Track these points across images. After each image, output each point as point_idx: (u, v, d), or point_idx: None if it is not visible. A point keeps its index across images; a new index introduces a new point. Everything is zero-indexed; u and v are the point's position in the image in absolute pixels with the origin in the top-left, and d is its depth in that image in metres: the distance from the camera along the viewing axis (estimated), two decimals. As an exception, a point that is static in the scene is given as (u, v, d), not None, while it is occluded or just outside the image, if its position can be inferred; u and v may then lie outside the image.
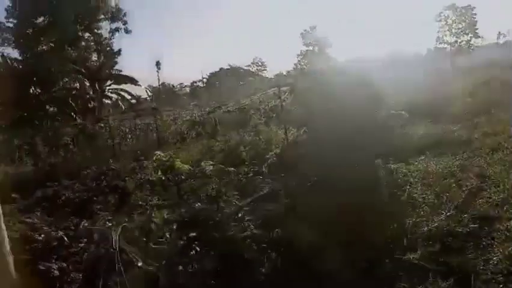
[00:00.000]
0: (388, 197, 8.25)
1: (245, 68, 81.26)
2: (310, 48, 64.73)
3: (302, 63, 68.39)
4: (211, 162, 10.59)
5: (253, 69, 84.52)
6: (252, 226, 7.05)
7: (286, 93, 13.91)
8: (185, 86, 75.25)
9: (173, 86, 73.49)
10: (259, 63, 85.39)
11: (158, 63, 62.70)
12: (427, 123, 17.11)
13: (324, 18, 77.60)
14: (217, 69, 72.96)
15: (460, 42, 54.21)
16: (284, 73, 61.93)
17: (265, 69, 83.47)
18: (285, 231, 7.00)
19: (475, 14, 53.85)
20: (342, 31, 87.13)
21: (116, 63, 43.16)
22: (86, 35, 44.67)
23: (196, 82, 76.44)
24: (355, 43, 78.75)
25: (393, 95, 25.58)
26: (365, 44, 74.67)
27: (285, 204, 8.22)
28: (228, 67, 72.63)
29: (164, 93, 66.92)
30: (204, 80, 75.11)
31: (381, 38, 74.49)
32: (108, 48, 45.41)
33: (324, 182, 8.35)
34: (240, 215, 7.64)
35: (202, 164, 10.56)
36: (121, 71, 42.25)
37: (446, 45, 55.18)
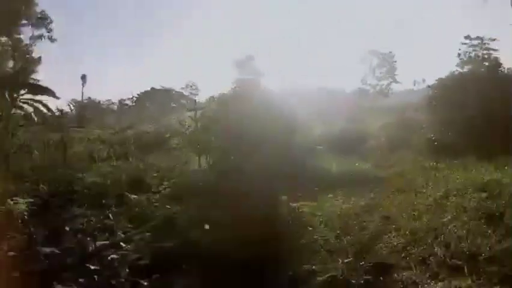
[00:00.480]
0: (287, 239, 7.50)
1: (178, 90, 79.55)
2: (245, 76, 64.97)
3: (236, 91, 68.26)
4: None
5: (187, 92, 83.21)
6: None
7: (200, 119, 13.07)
8: (113, 103, 71.34)
9: (100, 102, 69.25)
10: (193, 87, 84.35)
11: (84, 77, 58.90)
12: (342, 159, 17.19)
13: (261, 48, 79.18)
14: (148, 89, 70.36)
15: (381, 85, 57.81)
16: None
17: (197, 94, 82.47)
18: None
19: (395, 61, 58.05)
20: (278, 63, 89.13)
21: (33, 71, 39.44)
22: (3, 38, 40.79)
23: (124, 100, 72.98)
24: (291, 75, 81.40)
25: (316, 128, 26.31)
26: (301, 76, 77.45)
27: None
28: (160, 87, 70.44)
29: (89, 109, 62.66)
30: (134, 98, 71.96)
31: (315, 72, 77.66)
32: (27, 56, 41.69)
33: (222, 221, 7.37)
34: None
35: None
36: (38, 80, 38.52)
37: (368, 87, 58.54)
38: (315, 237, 7.65)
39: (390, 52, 58.20)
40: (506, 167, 11.69)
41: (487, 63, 26.14)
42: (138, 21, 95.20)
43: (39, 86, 40.43)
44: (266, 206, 7.93)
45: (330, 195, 10.63)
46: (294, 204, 8.75)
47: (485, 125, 15.22)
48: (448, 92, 17.58)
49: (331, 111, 33.34)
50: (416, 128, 22.13)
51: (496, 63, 20.08)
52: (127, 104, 71.31)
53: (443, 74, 20.00)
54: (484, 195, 8.91)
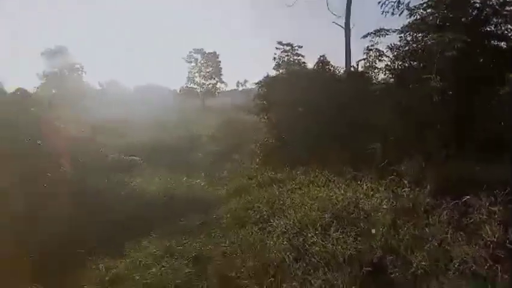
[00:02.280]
0: None
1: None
2: (56, 70, 54.39)
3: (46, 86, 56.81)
4: None
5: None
6: None
7: None
8: None
9: None
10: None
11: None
12: (168, 173, 13.65)
13: (80, 41, 67.80)
14: None
15: (207, 85, 56.27)
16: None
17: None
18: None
19: (220, 62, 57.28)
20: (97, 55, 78.21)
21: None
22: None
23: None
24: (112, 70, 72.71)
25: (135, 131, 22.08)
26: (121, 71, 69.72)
27: None
28: None
29: None
30: None
31: (137, 68, 70.91)
32: None
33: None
34: None
35: None
36: None
37: (196, 86, 56.35)
38: None
39: (215, 52, 57.30)
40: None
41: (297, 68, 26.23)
42: None
43: None
44: None
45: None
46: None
47: (318, 120, 13.89)
48: (277, 89, 15.87)
49: (160, 111, 29.39)
50: (249, 130, 20.28)
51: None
52: None
53: (262, 75, 18.37)
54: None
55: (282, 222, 7.75)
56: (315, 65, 16.15)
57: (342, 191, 9.05)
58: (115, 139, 18.76)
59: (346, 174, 10.89)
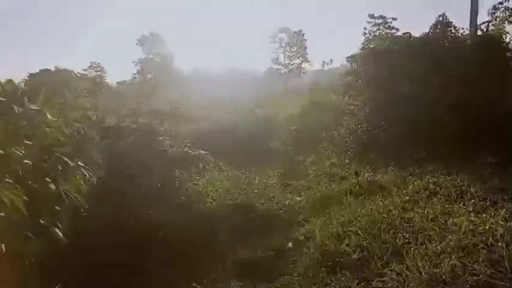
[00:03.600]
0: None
1: (82, 72, 66.70)
2: (150, 56, 55.84)
3: (142, 72, 58.86)
4: None
5: (92, 74, 70.75)
6: None
7: None
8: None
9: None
10: (98, 68, 72.10)
11: None
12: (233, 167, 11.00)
13: (164, 26, 68.89)
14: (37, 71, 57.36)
15: (292, 65, 53.03)
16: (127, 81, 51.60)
17: (104, 75, 70.63)
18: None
19: (305, 40, 53.38)
20: (183, 41, 79.28)
21: None
22: None
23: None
24: (196, 54, 72.93)
25: (213, 117, 19.81)
26: (206, 56, 69.58)
27: None
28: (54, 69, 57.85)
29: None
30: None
31: (222, 52, 70.23)
32: None
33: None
34: None
35: None
36: None
37: (280, 67, 53.41)
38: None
39: (300, 30, 53.40)
40: None
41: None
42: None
43: None
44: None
45: None
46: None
47: (435, 103, 9.96)
48: (377, 63, 12.04)
49: (242, 94, 27.11)
50: (338, 115, 16.74)
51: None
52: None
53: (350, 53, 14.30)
54: None
55: (401, 279, 4.47)
56: (430, 29, 11.86)
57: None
58: (188, 125, 16.87)
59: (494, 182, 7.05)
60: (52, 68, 52.52)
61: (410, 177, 8.35)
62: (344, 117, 14.67)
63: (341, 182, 9.14)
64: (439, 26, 11.33)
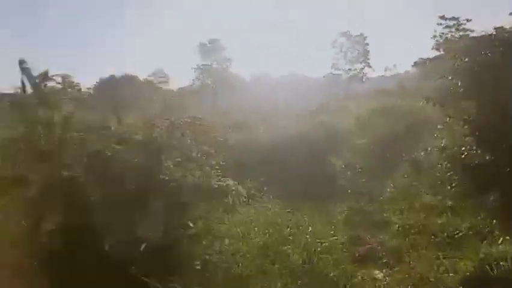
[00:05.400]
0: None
1: (148, 78, 67.35)
2: (208, 63, 54.35)
3: (201, 78, 57.64)
4: None
5: (156, 81, 71.41)
6: None
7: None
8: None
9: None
10: (162, 75, 72.57)
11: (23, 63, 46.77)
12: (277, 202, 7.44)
13: (223, 32, 66.98)
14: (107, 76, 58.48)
15: (353, 70, 48.27)
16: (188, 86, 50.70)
17: (167, 82, 70.85)
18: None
19: (367, 44, 48.37)
20: (242, 47, 77.06)
21: None
22: None
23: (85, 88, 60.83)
24: (254, 60, 70.18)
25: (265, 126, 16.36)
26: (264, 62, 66.50)
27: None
28: (122, 75, 58.61)
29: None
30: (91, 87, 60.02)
31: (280, 58, 66.80)
32: None
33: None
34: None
35: None
36: None
37: (340, 72, 48.85)
38: None
39: (362, 34, 48.33)
40: None
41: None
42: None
43: None
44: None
45: None
46: None
47: None
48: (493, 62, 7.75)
49: (301, 101, 23.54)
50: (412, 128, 12.56)
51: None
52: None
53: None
54: None
55: None
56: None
57: None
58: (238, 135, 13.82)
59: None
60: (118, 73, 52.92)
61: None
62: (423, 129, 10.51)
63: (453, 249, 5.20)
64: None
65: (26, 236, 5.16)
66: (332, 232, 6.20)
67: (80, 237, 4.88)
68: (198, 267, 5.20)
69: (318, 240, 5.72)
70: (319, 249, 5.48)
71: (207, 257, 5.28)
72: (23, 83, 6.32)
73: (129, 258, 4.63)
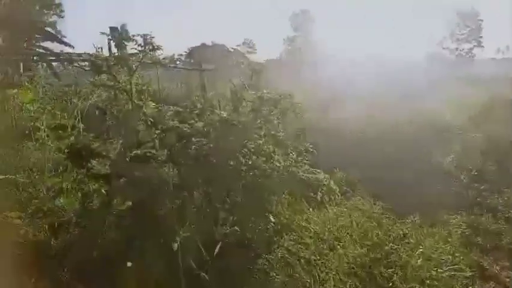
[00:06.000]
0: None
1: (235, 47, 68.02)
2: (298, 33, 52.45)
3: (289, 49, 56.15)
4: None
5: (243, 50, 71.66)
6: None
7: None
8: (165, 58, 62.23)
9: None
10: (250, 45, 72.43)
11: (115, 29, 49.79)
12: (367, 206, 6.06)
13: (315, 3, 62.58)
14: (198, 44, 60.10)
15: (461, 50, 42.20)
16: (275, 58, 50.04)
17: (255, 52, 70.57)
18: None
19: (481, 21, 41.55)
20: (331, 20, 71.81)
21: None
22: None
23: (175, 56, 63.40)
24: (344, 34, 65.26)
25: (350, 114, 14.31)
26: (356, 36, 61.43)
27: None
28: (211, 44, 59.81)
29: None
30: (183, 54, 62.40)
31: (374, 32, 60.90)
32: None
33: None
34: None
35: None
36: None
37: (447, 51, 43.17)
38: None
39: (474, 8, 41.59)
40: None
41: None
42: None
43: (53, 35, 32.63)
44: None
45: None
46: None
47: None
48: None
49: (395, 84, 20.73)
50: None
51: None
52: (179, 60, 61.96)
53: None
54: None
55: None
56: None
57: None
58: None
59: None
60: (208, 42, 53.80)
61: None
62: None
63: None
64: None
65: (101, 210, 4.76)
66: (450, 257, 4.71)
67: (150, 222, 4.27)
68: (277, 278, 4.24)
69: (434, 268, 4.33)
70: (435, 281, 4.11)
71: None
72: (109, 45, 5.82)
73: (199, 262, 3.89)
